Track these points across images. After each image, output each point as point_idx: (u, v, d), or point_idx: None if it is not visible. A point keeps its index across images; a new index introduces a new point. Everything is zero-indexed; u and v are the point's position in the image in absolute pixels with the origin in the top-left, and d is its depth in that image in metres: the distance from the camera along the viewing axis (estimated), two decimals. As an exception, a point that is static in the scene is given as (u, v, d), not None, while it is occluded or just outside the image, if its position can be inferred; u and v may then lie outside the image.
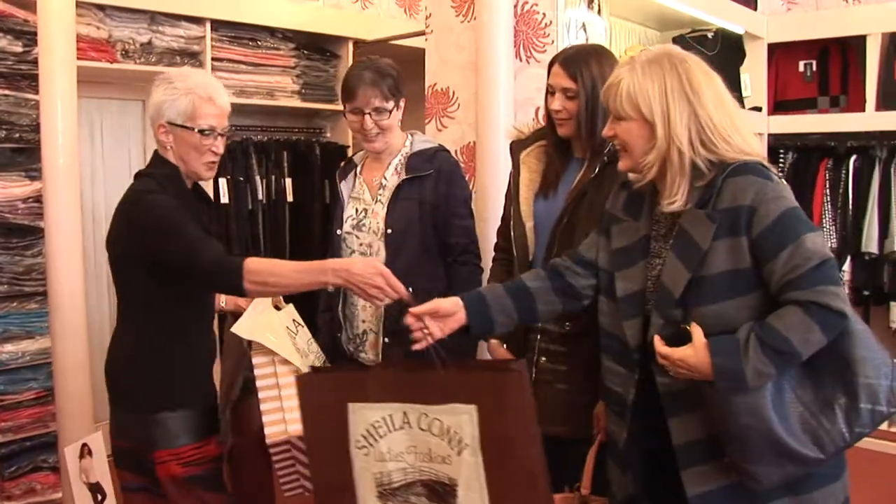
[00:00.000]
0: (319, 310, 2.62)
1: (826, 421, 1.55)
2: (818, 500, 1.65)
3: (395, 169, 2.49)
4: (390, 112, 2.40)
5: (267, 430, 2.04)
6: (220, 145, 2.06)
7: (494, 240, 2.44)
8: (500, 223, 2.42)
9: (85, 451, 2.83)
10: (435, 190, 2.42)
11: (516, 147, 2.36)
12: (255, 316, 2.13)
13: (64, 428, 2.97)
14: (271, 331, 2.11)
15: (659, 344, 1.62)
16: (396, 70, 2.45)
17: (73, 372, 2.95)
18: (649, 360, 1.70)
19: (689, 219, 1.64)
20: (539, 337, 2.21)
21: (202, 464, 2.02)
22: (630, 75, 1.67)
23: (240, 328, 2.09)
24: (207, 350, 2.13)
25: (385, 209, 2.43)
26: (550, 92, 2.22)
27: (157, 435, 1.97)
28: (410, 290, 2.08)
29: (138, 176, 2.06)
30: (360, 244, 2.47)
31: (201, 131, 2.01)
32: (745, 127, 1.70)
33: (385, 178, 2.48)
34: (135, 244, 1.94)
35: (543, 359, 2.21)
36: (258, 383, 2.09)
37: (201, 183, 2.16)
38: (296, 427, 2.01)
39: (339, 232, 2.50)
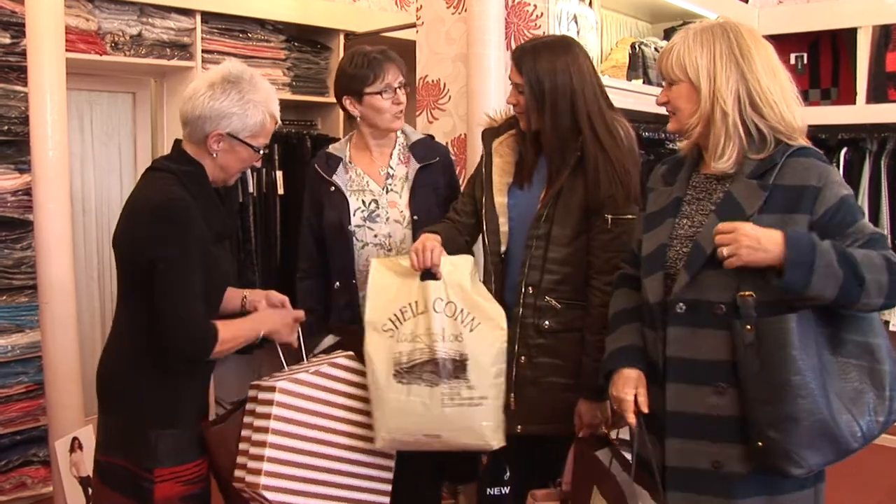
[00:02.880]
0: (302, 276, 2.59)
1: (857, 412, 1.59)
2: None
3: (399, 158, 2.54)
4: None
5: (236, 472, 1.95)
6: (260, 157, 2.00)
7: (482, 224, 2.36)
8: (459, 199, 2.42)
9: (75, 445, 2.83)
10: (442, 177, 2.53)
11: (488, 135, 2.37)
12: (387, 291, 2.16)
13: (54, 422, 2.95)
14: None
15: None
16: None
17: (63, 365, 2.94)
18: (669, 319, 1.72)
19: (740, 187, 1.69)
20: (518, 333, 2.18)
21: (199, 482, 1.93)
22: (682, 42, 1.74)
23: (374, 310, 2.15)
24: (209, 363, 2.01)
25: (405, 198, 2.48)
26: (511, 86, 2.25)
27: (160, 452, 1.85)
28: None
29: (157, 168, 1.93)
30: (376, 235, 2.48)
31: (259, 149, 1.95)
32: (792, 97, 1.73)
33: (391, 168, 2.52)
34: (149, 248, 1.80)
35: (523, 358, 2.18)
36: (245, 419, 2.01)
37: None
38: (255, 479, 1.90)
39: (350, 227, 2.47)
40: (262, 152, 1.96)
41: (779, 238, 1.54)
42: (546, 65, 2.14)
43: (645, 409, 1.74)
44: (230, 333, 1.88)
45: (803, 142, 1.71)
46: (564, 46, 2.19)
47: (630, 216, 2.09)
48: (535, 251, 2.16)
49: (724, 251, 1.58)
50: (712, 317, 1.65)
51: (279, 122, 1.99)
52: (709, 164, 1.77)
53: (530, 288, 2.16)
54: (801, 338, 1.56)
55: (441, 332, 2.10)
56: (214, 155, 1.91)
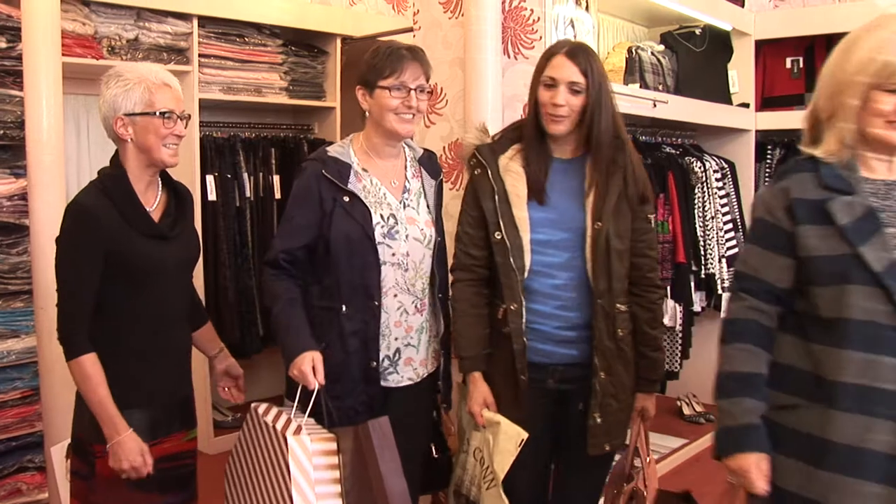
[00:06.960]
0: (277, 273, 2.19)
1: None
2: None
3: (412, 171, 2.32)
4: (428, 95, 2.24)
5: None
6: (181, 128, 2.05)
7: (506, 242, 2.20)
8: (463, 238, 2.26)
9: (71, 451, 2.81)
10: (440, 194, 2.39)
11: (488, 153, 2.23)
12: None
13: (50, 427, 2.95)
14: None
15: None
16: None
17: (59, 371, 2.92)
18: None
19: None
20: (596, 347, 2.15)
21: None
22: None
23: None
24: (168, 347, 2.07)
25: (423, 214, 2.27)
26: (551, 85, 2.11)
27: (100, 429, 1.94)
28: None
29: (98, 173, 2.09)
30: (394, 254, 2.19)
31: (161, 114, 2.00)
32: None
33: (408, 181, 2.29)
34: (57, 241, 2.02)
35: (603, 374, 2.15)
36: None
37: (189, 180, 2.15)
38: None
39: (375, 238, 2.17)
40: (169, 116, 2.01)
41: None
42: (599, 66, 2.12)
43: (765, 491, 1.65)
44: (89, 374, 1.96)
45: None
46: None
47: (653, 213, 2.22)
48: (599, 261, 2.11)
49: None
50: None
51: (177, 90, 2.06)
52: (875, 169, 1.72)
53: (600, 298, 2.13)
54: None
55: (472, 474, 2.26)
56: (129, 140, 2.02)
